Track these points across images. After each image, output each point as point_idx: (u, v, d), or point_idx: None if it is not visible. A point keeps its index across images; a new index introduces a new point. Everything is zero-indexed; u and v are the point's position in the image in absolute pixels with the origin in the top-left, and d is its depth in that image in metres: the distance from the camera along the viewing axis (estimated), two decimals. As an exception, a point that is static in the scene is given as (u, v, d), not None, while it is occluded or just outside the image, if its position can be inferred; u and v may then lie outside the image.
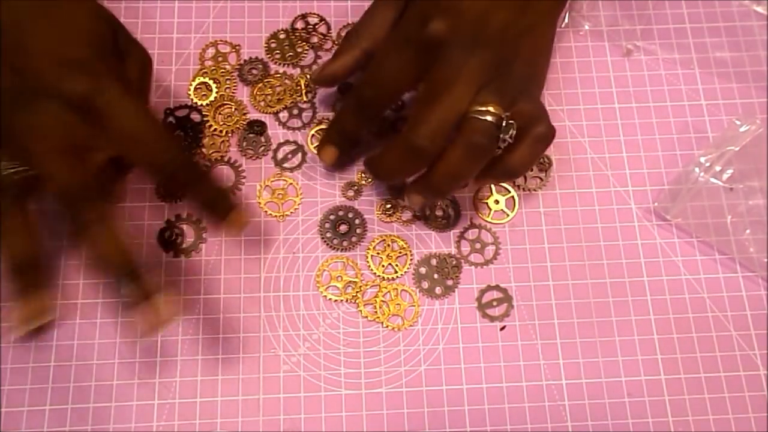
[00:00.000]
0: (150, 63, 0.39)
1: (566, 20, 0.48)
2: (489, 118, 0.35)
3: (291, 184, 0.43)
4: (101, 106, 0.32)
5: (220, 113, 0.45)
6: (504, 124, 0.35)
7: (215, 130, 0.44)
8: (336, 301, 0.41)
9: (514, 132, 0.36)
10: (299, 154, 0.44)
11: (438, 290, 0.42)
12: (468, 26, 0.35)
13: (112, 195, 0.37)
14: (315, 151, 0.44)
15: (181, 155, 0.35)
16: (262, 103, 0.45)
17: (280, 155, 0.44)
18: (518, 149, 0.37)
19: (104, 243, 0.33)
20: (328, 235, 0.43)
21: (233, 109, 0.45)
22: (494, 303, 0.42)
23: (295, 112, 0.45)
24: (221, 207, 0.36)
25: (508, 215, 0.44)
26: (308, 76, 0.46)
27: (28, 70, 0.32)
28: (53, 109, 0.32)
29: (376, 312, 0.41)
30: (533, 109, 0.37)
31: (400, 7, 0.39)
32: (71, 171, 0.32)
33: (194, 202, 0.41)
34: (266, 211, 0.42)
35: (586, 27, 0.48)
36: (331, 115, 0.45)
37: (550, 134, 0.38)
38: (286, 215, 0.43)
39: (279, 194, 0.43)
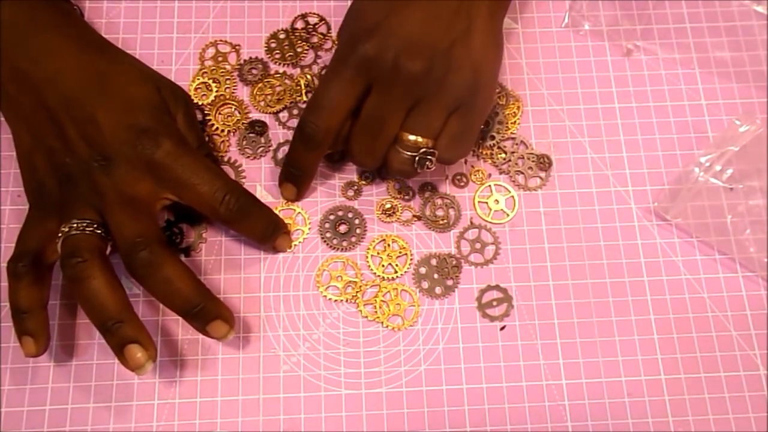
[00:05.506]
0: (189, 98, 0.42)
1: (566, 20, 0.48)
2: (407, 154, 0.39)
3: (299, 213, 0.43)
4: (159, 160, 0.37)
5: (220, 113, 0.45)
6: (419, 158, 0.38)
7: (216, 129, 0.44)
8: (336, 301, 0.41)
9: (430, 164, 0.39)
10: (299, 154, 0.44)
11: (438, 290, 0.42)
12: (394, 43, 0.37)
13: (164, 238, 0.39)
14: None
15: (232, 194, 0.38)
16: (262, 103, 0.45)
17: (280, 155, 0.44)
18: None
19: (177, 280, 0.36)
20: (328, 235, 0.43)
21: (233, 109, 0.45)
22: (494, 303, 0.42)
23: (295, 112, 0.45)
24: (272, 236, 0.41)
25: (508, 215, 0.44)
26: (308, 76, 0.46)
27: (101, 140, 0.37)
28: (123, 169, 0.37)
29: (376, 312, 0.41)
30: (459, 131, 0.39)
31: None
32: (136, 220, 0.36)
33: (247, 236, 0.42)
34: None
35: (586, 27, 0.48)
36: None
37: (454, 160, 0.40)
38: (294, 245, 0.43)
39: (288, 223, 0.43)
